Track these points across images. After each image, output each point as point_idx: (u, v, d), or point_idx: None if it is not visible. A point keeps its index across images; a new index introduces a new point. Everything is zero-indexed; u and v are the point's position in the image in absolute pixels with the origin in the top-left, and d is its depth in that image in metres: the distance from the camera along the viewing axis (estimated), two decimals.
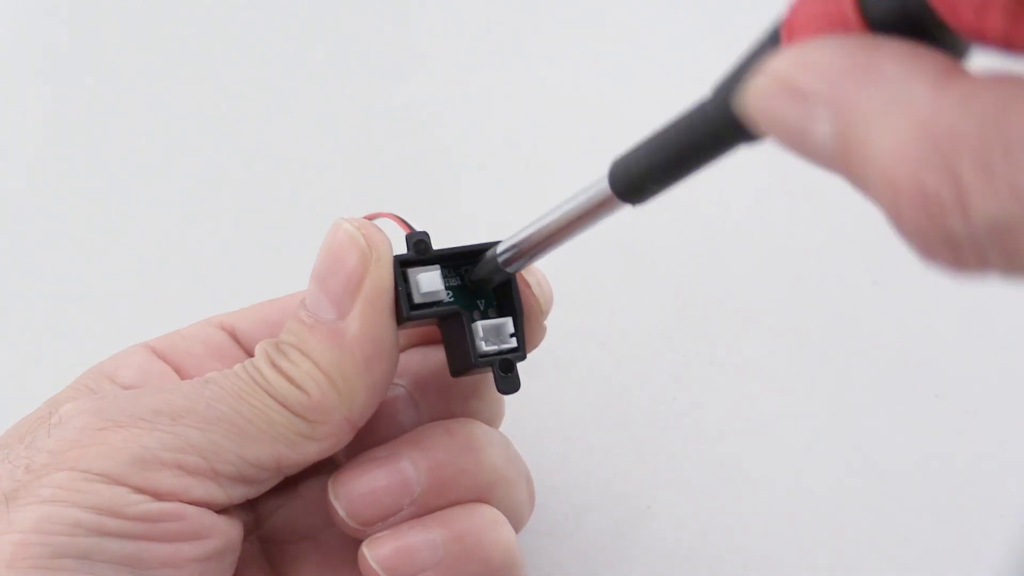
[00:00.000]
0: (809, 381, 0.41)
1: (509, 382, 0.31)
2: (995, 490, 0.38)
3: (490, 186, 0.46)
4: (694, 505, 0.39)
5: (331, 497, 0.32)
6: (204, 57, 0.50)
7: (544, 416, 0.40)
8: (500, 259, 0.31)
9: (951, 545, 0.38)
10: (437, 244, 0.32)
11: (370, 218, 0.32)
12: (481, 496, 0.32)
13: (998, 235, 0.17)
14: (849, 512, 0.39)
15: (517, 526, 0.33)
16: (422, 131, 0.47)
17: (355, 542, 0.32)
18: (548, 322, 0.33)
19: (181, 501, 0.28)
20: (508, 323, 0.31)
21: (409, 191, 0.46)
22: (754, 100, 0.19)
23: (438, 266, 0.31)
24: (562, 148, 0.46)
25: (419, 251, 0.31)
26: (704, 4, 0.48)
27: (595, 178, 0.26)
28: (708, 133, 0.23)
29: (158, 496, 0.28)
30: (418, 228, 0.32)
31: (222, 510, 0.30)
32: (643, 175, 0.25)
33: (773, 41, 0.21)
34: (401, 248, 0.32)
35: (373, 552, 0.31)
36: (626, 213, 0.27)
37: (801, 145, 0.19)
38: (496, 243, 0.32)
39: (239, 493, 0.30)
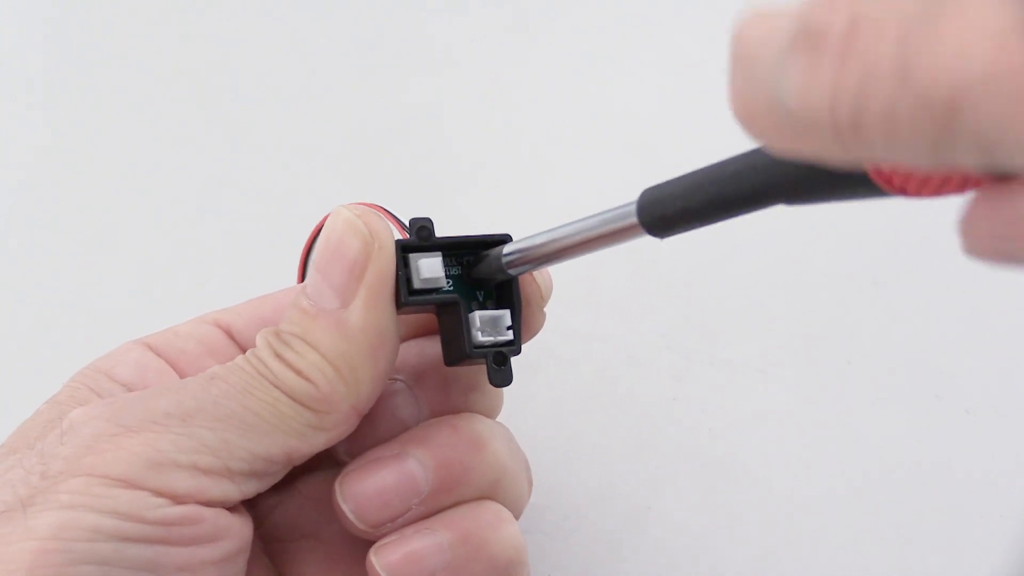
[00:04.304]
0: (809, 381, 0.41)
1: (502, 375, 0.31)
2: (995, 490, 0.38)
3: (495, 187, 0.46)
4: (694, 506, 0.39)
5: (338, 499, 0.31)
6: (206, 53, 0.50)
7: (544, 415, 0.40)
8: (504, 260, 0.31)
9: (952, 545, 0.38)
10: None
11: None
12: (487, 492, 0.32)
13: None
14: (849, 512, 0.39)
15: (518, 514, 0.33)
16: (426, 130, 0.47)
17: (357, 539, 0.32)
18: (548, 322, 0.33)
19: (198, 503, 0.28)
20: (506, 315, 0.31)
21: (412, 189, 0.45)
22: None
23: (439, 253, 0.31)
24: (570, 152, 0.46)
25: (421, 237, 0.31)
26: (717, 13, 0.48)
27: (622, 203, 0.26)
28: (753, 185, 0.22)
29: (176, 499, 0.28)
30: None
31: (234, 508, 0.30)
32: (676, 214, 0.24)
33: None
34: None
35: (381, 559, 0.31)
36: None
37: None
38: (498, 236, 0.31)
39: (251, 488, 0.30)
